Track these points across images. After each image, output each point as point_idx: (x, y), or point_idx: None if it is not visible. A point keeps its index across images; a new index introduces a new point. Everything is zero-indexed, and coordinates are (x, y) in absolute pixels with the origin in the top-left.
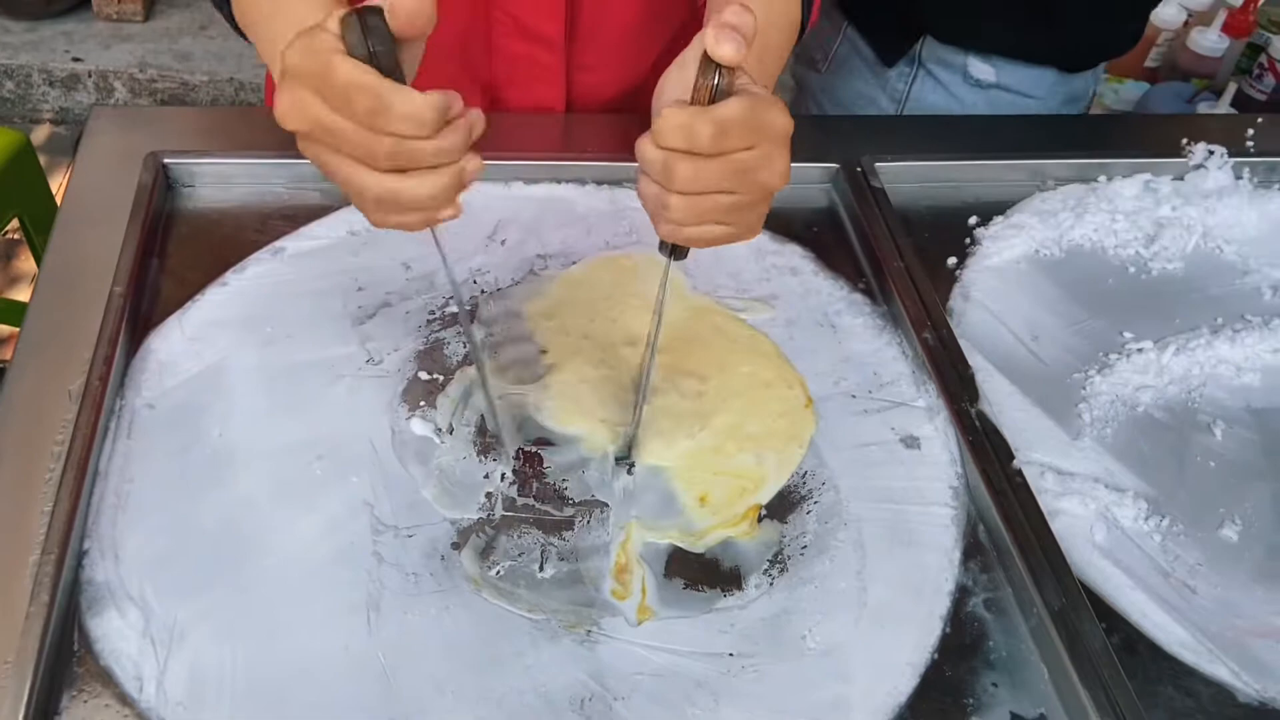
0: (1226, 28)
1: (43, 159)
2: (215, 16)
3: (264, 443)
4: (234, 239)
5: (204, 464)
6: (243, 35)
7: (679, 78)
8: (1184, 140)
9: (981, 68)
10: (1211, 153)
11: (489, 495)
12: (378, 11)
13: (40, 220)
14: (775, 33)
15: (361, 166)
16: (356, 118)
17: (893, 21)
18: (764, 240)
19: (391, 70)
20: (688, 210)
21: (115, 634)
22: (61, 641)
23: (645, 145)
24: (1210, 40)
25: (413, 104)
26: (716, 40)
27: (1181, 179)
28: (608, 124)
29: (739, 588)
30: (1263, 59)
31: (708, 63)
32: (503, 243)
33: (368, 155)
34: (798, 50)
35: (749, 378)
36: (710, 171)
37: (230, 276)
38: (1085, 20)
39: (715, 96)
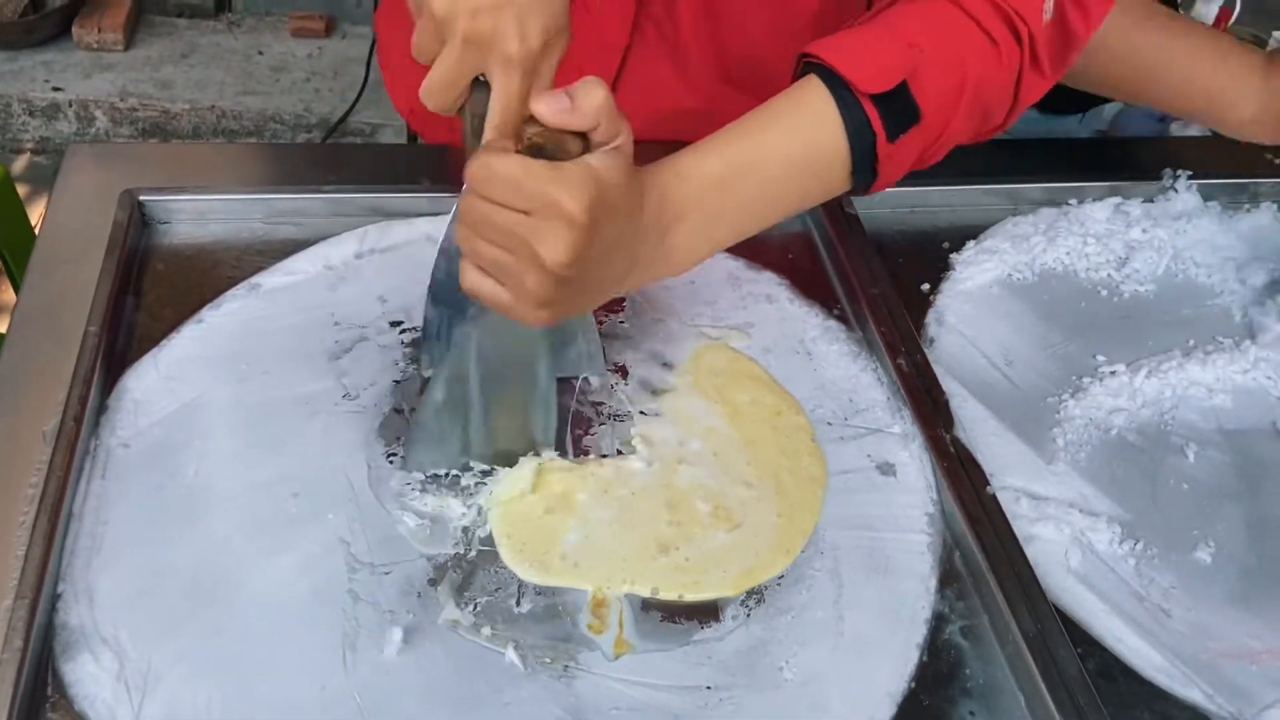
0: None
1: (23, 189)
2: (197, 44)
3: (239, 481)
4: (210, 275)
5: (179, 504)
6: None
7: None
8: (1167, 170)
9: None
10: (1177, 175)
11: (465, 531)
12: None
13: (19, 252)
14: (768, 162)
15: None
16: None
17: None
18: (740, 268)
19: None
20: (463, 241)
21: (90, 679)
22: (35, 687)
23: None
24: None
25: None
26: (538, 98)
27: (1152, 201)
28: None
29: (716, 619)
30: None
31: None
32: None
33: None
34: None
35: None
36: (477, 213)
37: (206, 313)
38: None
39: (528, 146)
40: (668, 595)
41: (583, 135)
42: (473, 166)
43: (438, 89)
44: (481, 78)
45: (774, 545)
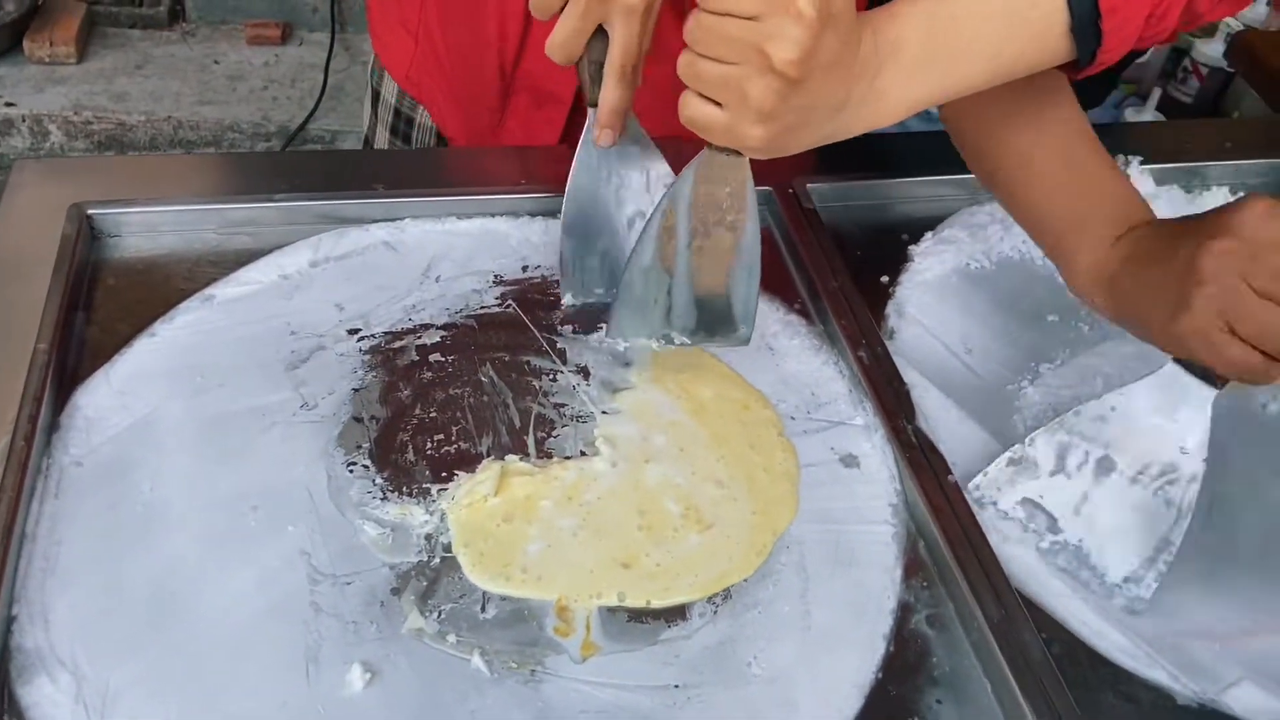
0: None
1: None
2: (151, 55)
3: (196, 496)
4: (162, 288)
5: (135, 521)
6: None
7: None
8: (1120, 155)
9: None
10: (1129, 160)
11: (428, 538)
12: None
13: None
14: (974, 12)
15: None
16: None
17: None
18: None
19: None
20: (685, 67)
21: (47, 701)
22: None
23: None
24: None
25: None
26: None
27: None
28: (542, 156)
29: (683, 618)
30: (1187, 63)
31: None
32: (437, 279)
33: None
34: None
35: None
36: (706, 28)
37: (159, 327)
38: None
39: None
40: (635, 603)
41: None
42: None
43: (565, 40)
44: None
45: (746, 545)
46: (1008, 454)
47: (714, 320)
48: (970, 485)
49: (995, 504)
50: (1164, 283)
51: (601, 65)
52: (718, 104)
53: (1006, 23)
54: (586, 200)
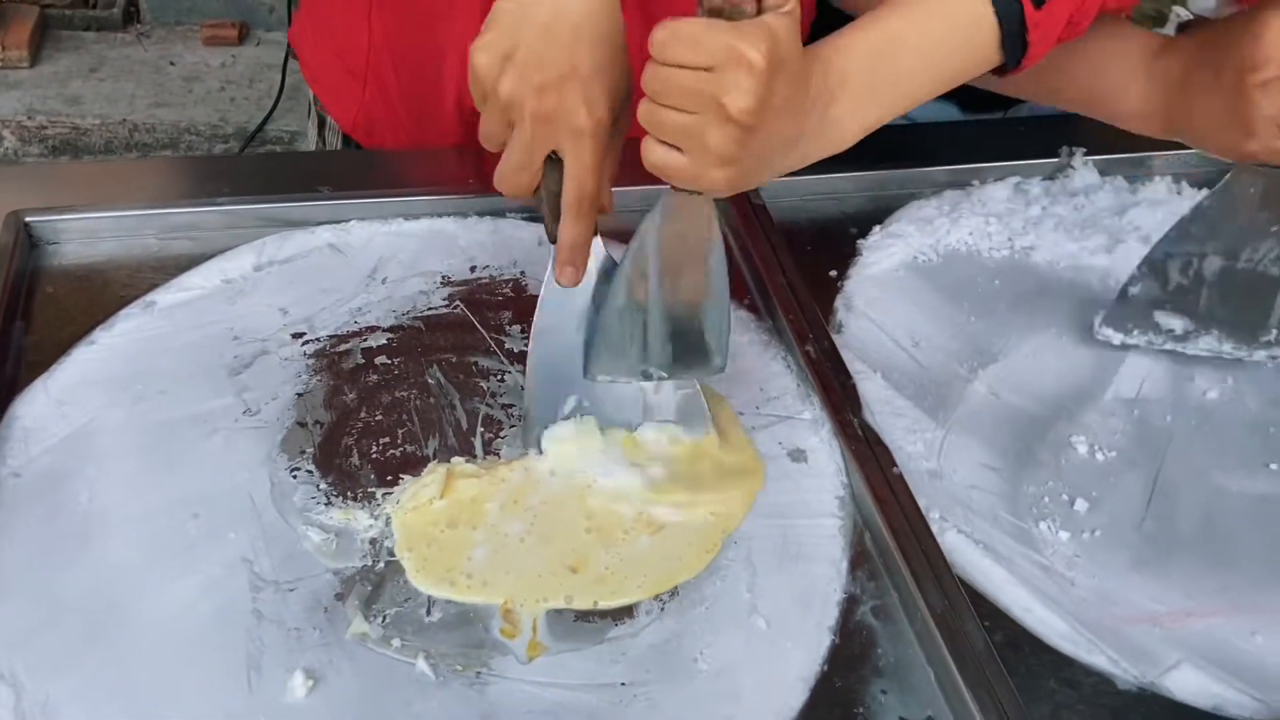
0: None
1: None
2: (105, 58)
3: (136, 505)
4: (102, 295)
5: (73, 531)
6: None
7: None
8: (1064, 147)
9: None
10: (1073, 152)
11: (373, 542)
12: None
13: None
14: (919, 38)
15: None
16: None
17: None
18: None
19: None
20: (645, 115)
21: None
22: None
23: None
24: None
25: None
26: None
27: (1051, 179)
28: (491, 157)
29: (630, 616)
30: None
31: None
32: (383, 281)
33: None
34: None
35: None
36: (660, 80)
37: (99, 334)
38: None
39: (707, 9)
40: (582, 605)
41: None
42: (658, 34)
43: (512, 172)
44: (554, 155)
45: (698, 545)
46: (1125, 288)
47: (689, 353)
48: (1098, 333)
49: (1127, 336)
50: (1218, 112)
51: (559, 196)
52: (679, 149)
53: (945, 43)
54: (556, 345)
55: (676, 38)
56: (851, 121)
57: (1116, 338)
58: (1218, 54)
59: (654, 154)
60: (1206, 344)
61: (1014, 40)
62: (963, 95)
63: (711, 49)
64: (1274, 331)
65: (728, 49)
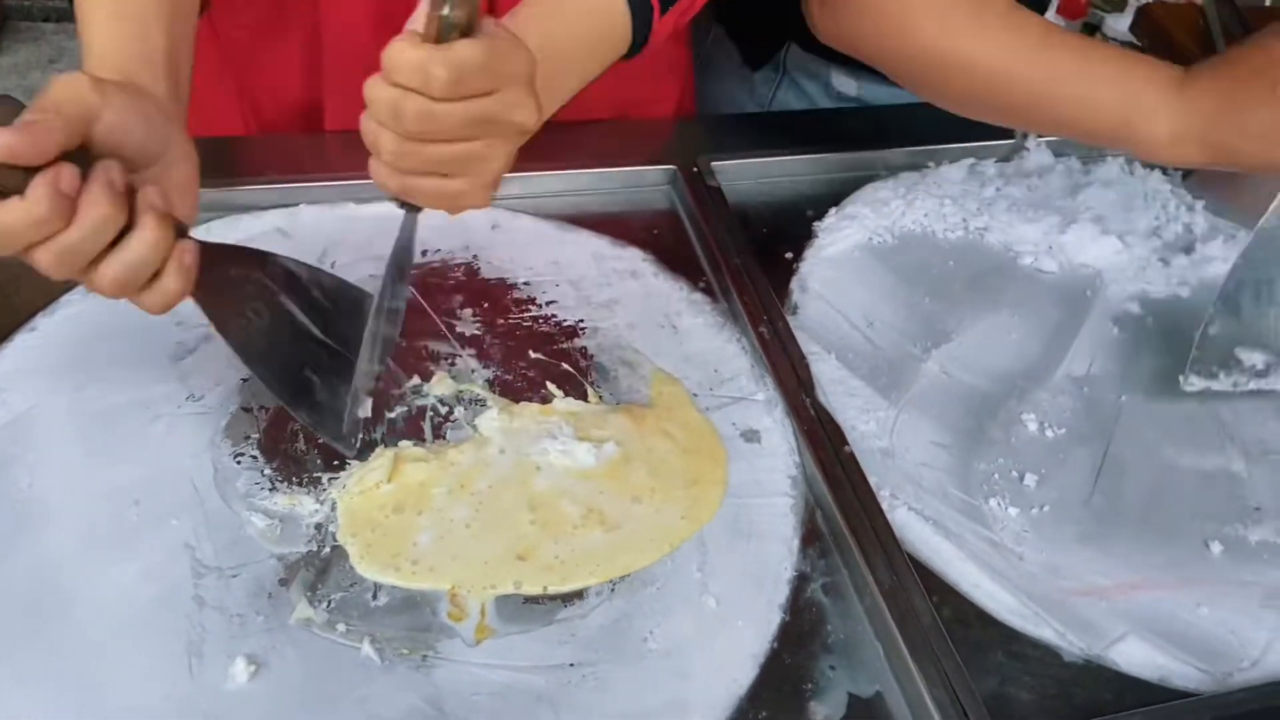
0: (1061, 9)
1: None
2: (64, 48)
3: (76, 492)
4: (44, 280)
5: (12, 519)
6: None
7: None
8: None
9: (844, 81)
10: (1027, 134)
11: (318, 527)
12: None
13: None
14: (568, 40)
15: None
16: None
17: (759, 26)
18: (604, 245)
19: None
20: (411, 156)
21: None
22: None
23: (375, 82)
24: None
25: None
26: None
27: (1006, 160)
28: None
29: (580, 598)
30: (1097, 37)
31: None
32: (333, 265)
33: None
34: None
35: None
36: (446, 115)
37: (39, 321)
38: None
39: (445, 32)
40: (531, 590)
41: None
42: (434, 68)
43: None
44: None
45: (659, 541)
46: (1204, 329)
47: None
48: (1186, 383)
49: (1213, 381)
50: (1270, 127)
51: None
52: (442, 176)
53: (593, 41)
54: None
55: (463, 69)
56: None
57: (1202, 384)
58: (1273, 67)
59: (420, 190)
60: None
61: (640, 40)
62: None
63: (497, 72)
64: None
65: (510, 69)
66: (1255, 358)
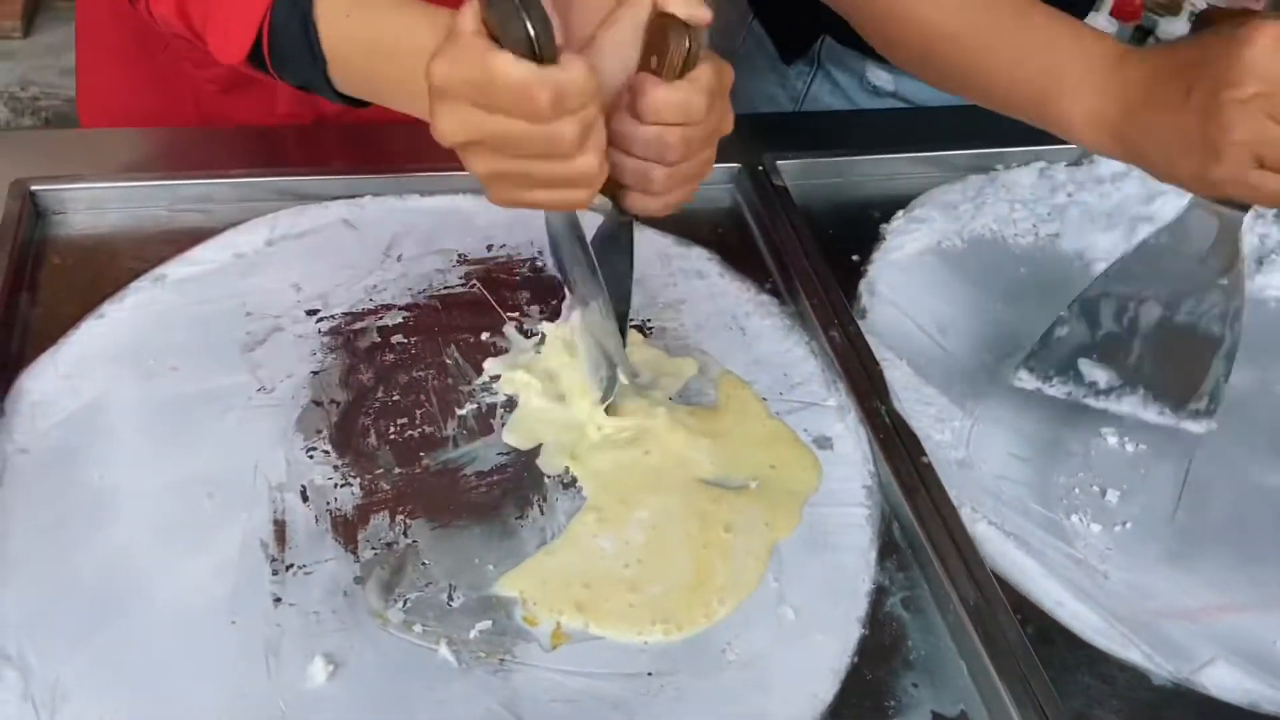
0: (1115, 11)
1: None
2: None
3: (148, 483)
4: (111, 267)
5: (83, 509)
6: (355, 103)
7: (618, 39)
8: None
9: (880, 75)
10: None
11: (392, 523)
12: None
13: None
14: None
15: (544, 159)
16: (534, 115)
17: (794, 18)
18: (669, 244)
19: (549, 41)
20: (678, 178)
21: None
22: None
23: (630, 123)
24: (1100, 24)
25: (582, 78)
26: (688, 4)
27: (1077, 164)
28: None
29: None
30: (1151, 42)
31: (678, 26)
32: (399, 258)
33: (551, 147)
34: (709, 40)
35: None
36: (698, 137)
37: (108, 307)
38: None
39: (688, 61)
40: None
41: None
42: (695, 100)
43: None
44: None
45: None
46: (1051, 328)
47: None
48: (1015, 378)
49: (1045, 384)
50: (1183, 133)
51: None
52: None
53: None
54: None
55: (695, 100)
56: None
57: (1033, 383)
58: (1192, 69)
59: (675, 199)
60: (1130, 404)
61: None
62: None
63: (718, 91)
64: (1205, 400)
65: (726, 81)
66: (1098, 375)
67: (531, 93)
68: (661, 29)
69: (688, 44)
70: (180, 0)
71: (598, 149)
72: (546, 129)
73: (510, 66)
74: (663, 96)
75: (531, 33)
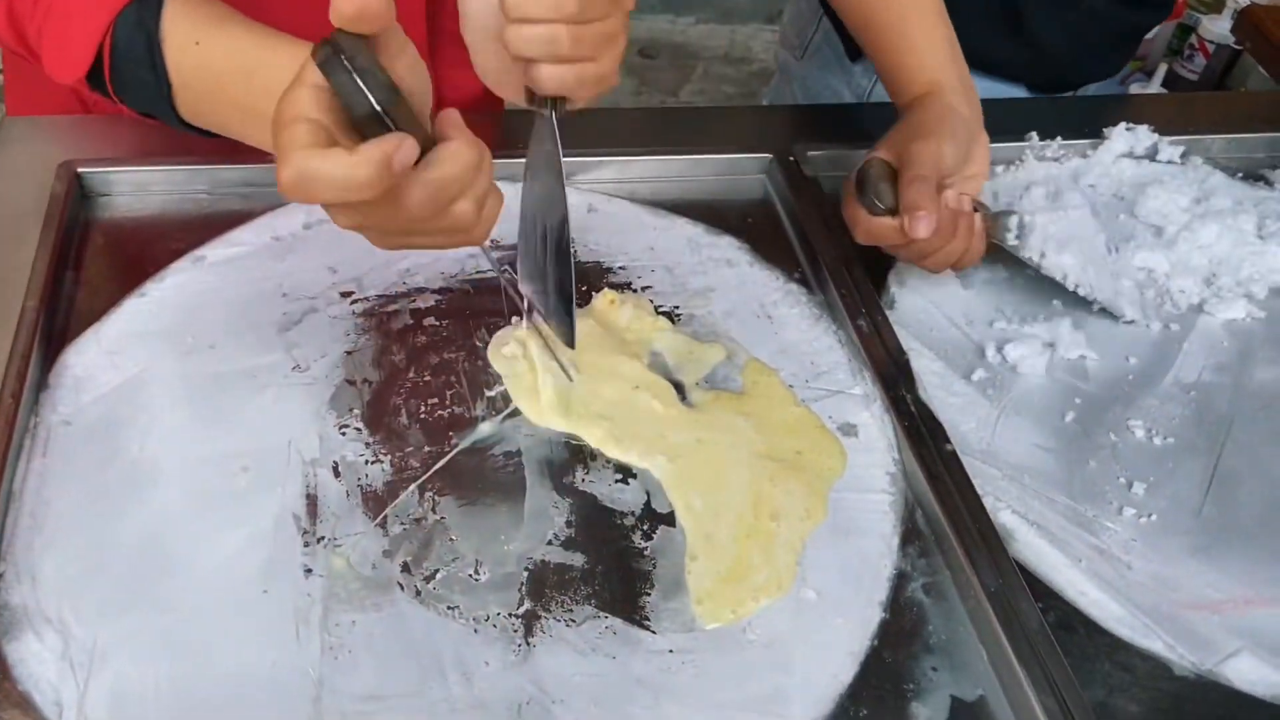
0: None
1: None
2: None
3: (186, 456)
4: (153, 248)
5: (123, 480)
6: (201, 132)
7: None
8: (1124, 123)
9: None
10: (1131, 129)
11: (421, 499)
12: (354, 43)
13: None
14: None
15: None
16: (371, 197)
17: None
18: (699, 232)
19: (398, 105)
20: (587, 41)
21: (33, 658)
22: None
23: None
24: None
25: (444, 168)
26: None
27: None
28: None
29: (680, 586)
30: (1193, 39)
31: None
32: None
33: (414, 225)
34: (782, 34)
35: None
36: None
37: (149, 287)
38: (1060, 40)
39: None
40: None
41: None
42: None
43: None
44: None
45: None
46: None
47: None
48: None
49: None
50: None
51: None
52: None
53: None
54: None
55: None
56: None
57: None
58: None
59: (588, 72)
60: None
61: None
62: (1027, 75)
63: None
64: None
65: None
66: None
67: (358, 185)
68: None
69: None
70: (11, 10)
71: (476, 200)
72: (408, 212)
73: (330, 167)
74: None
75: (376, 107)
